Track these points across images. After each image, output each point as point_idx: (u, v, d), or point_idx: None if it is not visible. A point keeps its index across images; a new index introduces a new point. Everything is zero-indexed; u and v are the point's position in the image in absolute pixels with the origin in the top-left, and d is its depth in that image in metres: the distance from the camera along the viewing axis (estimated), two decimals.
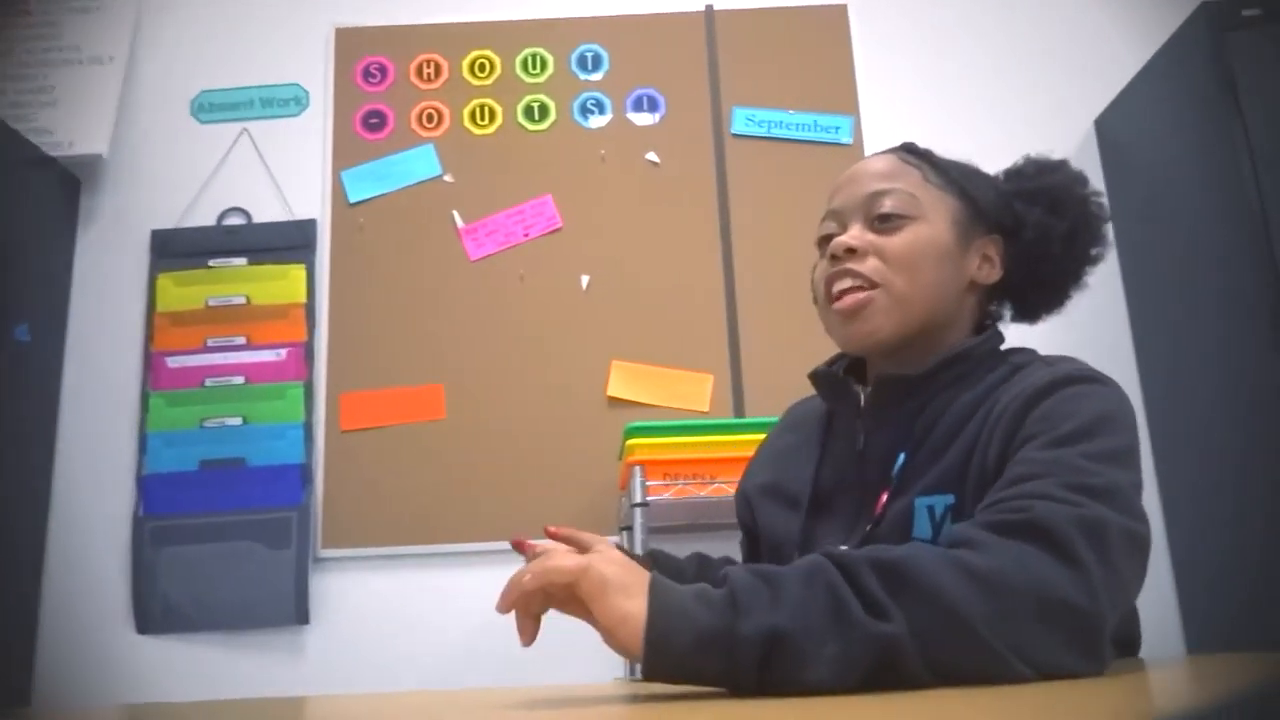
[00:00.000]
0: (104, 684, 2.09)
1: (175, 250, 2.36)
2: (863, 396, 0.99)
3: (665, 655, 0.65)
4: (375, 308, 2.33)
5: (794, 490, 1.03)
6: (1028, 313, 1.06)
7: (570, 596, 0.70)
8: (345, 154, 2.44)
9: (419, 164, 2.42)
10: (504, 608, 0.72)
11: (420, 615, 2.15)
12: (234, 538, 2.15)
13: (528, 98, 2.47)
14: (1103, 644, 0.69)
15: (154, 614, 2.13)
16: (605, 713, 0.66)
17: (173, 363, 2.28)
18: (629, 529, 1.85)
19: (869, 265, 0.96)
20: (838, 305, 0.98)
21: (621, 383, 2.26)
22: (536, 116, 2.45)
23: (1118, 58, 2.39)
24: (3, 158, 2.19)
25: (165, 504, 2.18)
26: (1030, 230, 0.98)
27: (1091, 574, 0.68)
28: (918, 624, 0.65)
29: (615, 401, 2.25)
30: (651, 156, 2.42)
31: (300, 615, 2.13)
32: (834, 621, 0.65)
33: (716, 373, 2.27)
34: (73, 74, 2.45)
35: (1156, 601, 2.10)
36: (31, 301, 2.22)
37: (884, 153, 1.04)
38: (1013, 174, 1.04)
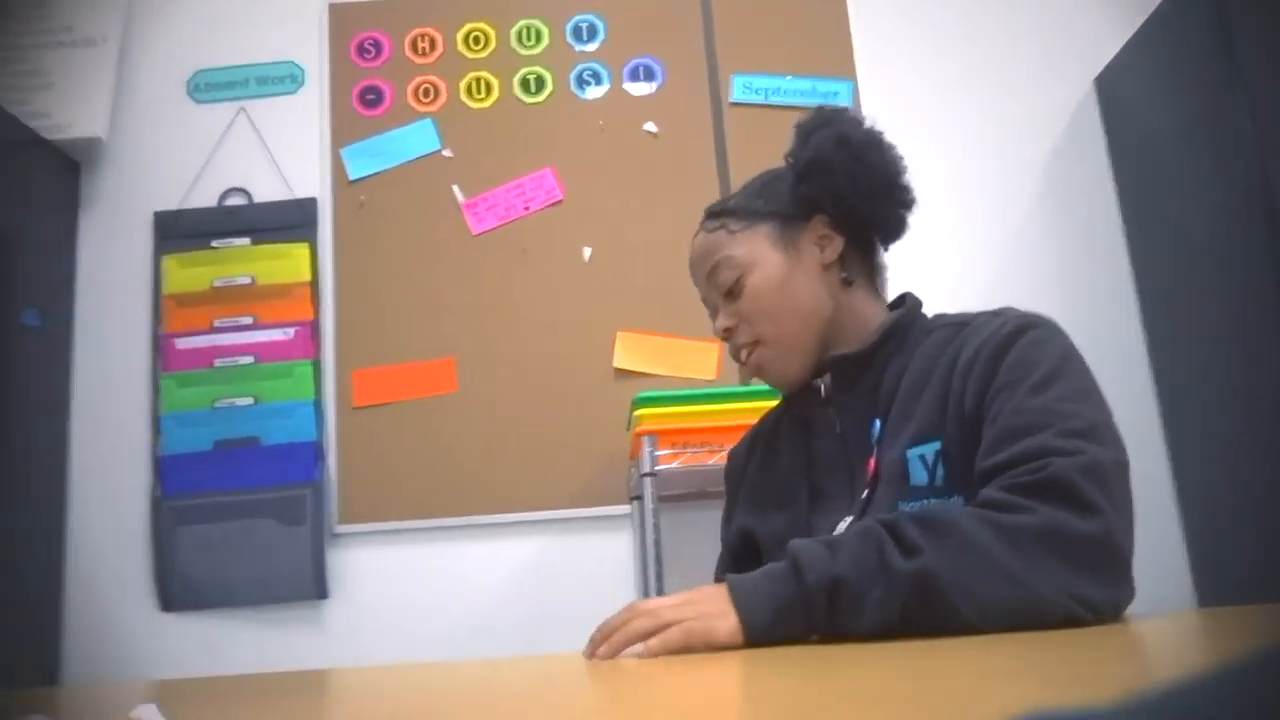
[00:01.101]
0: (131, 661, 2.14)
1: (179, 231, 2.37)
2: (823, 387, 1.10)
3: (763, 638, 0.82)
4: (381, 284, 2.34)
5: (785, 493, 1.13)
6: (887, 240, 1.17)
7: None
8: (344, 131, 2.44)
9: (418, 139, 2.43)
10: (609, 654, 0.85)
11: (437, 587, 2.19)
12: (251, 515, 2.19)
13: (524, 70, 2.46)
14: (1126, 571, 0.82)
15: (176, 592, 2.17)
16: (615, 679, 0.68)
17: (182, 344, 2.30)
18: (639, 498, 1.88)
19: (744, 333, 1.11)
20: (745, 372, 1.14)
21: (627, 353, 2.28)
22: (534, 89, 2.45)
23: (1117, 16, 2.38)
24: (2, 142, 2.19)
25: (182, 484, 2.21)
26: (824, 198, 1.09)
27: (1105, 513, 0.80)
28: (949, 563, 0.79)
29: (622, 372, 2.27)
30: (650, 126, 2.42)
31: (319, 590, 2.17)
32: (879, 567, 0.80)
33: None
34: (66, 56, 2.44)
35: (1167, 556, 2.13)
36: (38, 286, 2.24)
37: (697, 232, 1.17)
38: (789, 164, 1.14)
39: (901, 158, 1.10)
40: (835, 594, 0.80)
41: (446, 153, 2.42)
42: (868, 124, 1.10)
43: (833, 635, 0.81)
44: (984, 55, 2.48)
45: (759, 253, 1.10)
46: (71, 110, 2.40)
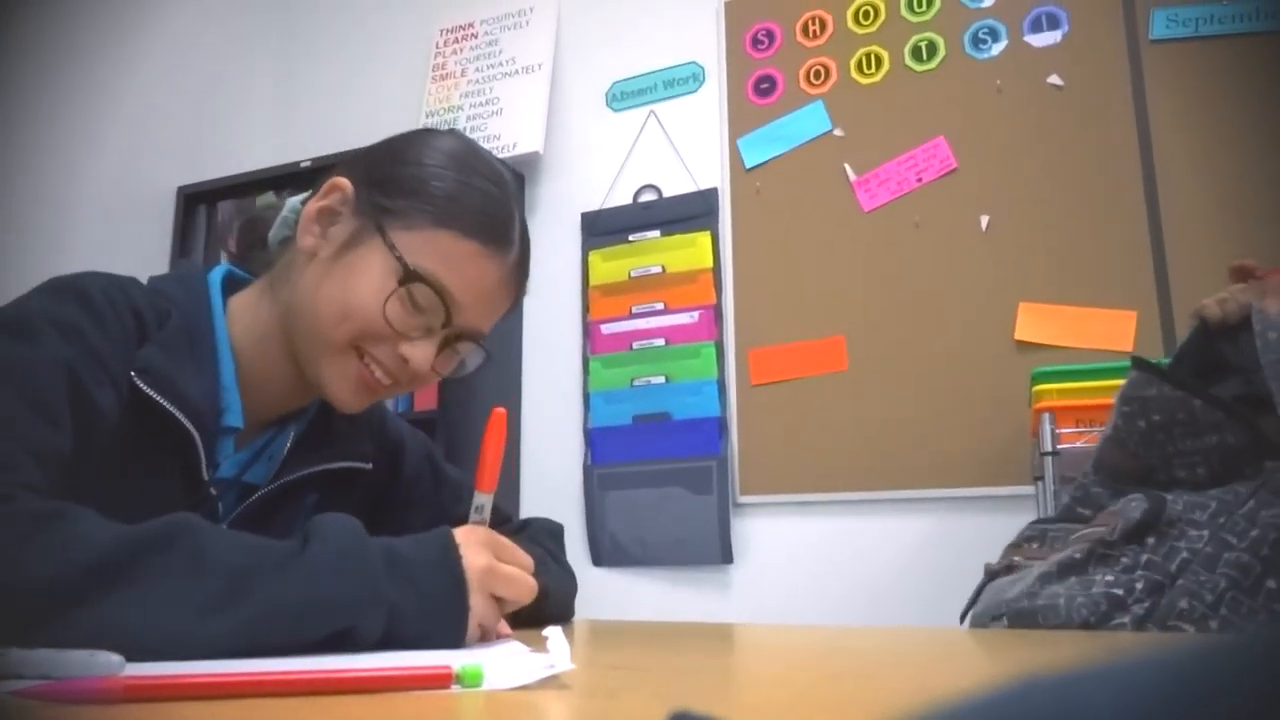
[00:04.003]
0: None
1: (601, 229, 2.66)
2: None
3: None
4: (775, 267, 2.44)
5: None
6: None
7: None
8: (740, 122, 2.57)
9: (809, 122, 2.48)
10: None
11: (834, 559, 2.25)
12: (665, 484, 2.42)
13: (915, 38, 2.41)
14: None
15: (605, 549, 2.47)
16: (991, 648, 0.69)
17: (606, 330, 2.58)
18: (1041, 479, 1.79)
19: None
20: None
21: (1031, 325, 2.16)
22: (925, 56, 2.39)
23: None
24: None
25: (608, 454, 2.50)
26: None
27: None
28: None
29: (1024, 345, 2.16)
30: (1054, 80, 2.25)
31: (725, 555, 2.33)
32: None
33: (1141, 309, 2.08)
34: (510, 84, 2.85)
35: None
36: None
37: None
38: None
39: None
40: None
41: (837, 132, 2.45)
42: None
43: None
44: None
45: None
46: (516, 131, 2.79)
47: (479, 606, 0.68)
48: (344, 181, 0.87)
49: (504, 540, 0.75)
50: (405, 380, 0.87)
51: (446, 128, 1.12)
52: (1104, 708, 0.14)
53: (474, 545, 0.70)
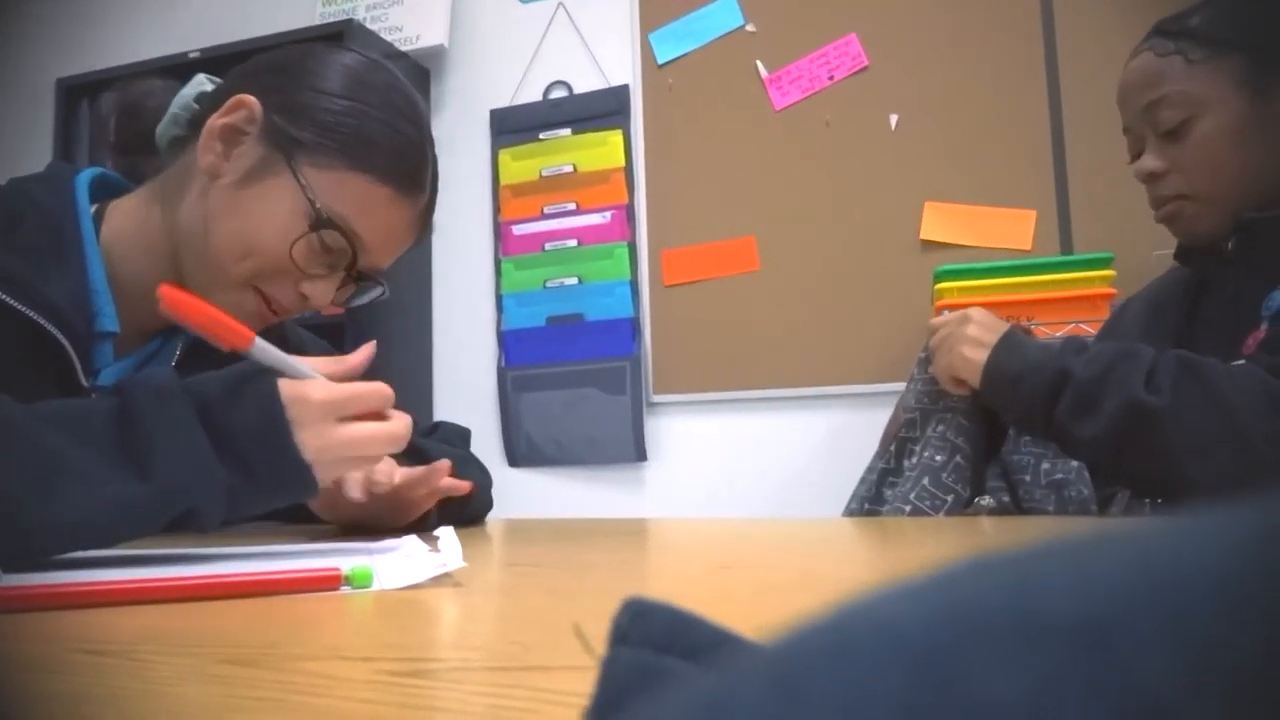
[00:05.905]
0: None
1: (510, 127, 2.59)
2: (1229, 244, 0.98)
3: (995, 389, 0.95)
4: (688, 166, 2.42)
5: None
6: None
7: None
8: (652, 16, 2.50)
9: (721, 16, 2.43)
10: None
11: (743, 455, 2.31)
12: (578, 385, 2.43)
13: None
14: None
15: (520, 450, 2.48)
16: (908, 535, 0.72)
17: (518, 230, 2.54)
18: None
19: (1172, 184, 0.99)
20: (1156, 217, 1.04)
21: (935, 224, 2.20)
22: None
23: None
24: None
25: (521, 356, 2.49)
26: None
27: None
28: (1185, 410, 0.77)
29: (930, 244, 2.20)
30: None
31: (639, 453, 2.37)
32: (1115, 384, 0.82)
33: (1040, 208, 2.13)
34: None
35: None
36: None
37: (1140, 50, 1.00)
38: None
39: None
40: (1064, 387, 0.85)
41: (749, 27, 2.41)
42: None
43: (1055, 434, 0.86)
44: None
45: (1219, 93, 0.93)
46: (419, 23, 2.67)
47: (331, 467, 0.63)
48: (252, 100, 0.82)
49: (349, 392, 0.64)
50: (298, 311, 0.87)
51: (344, 42, 1.06)
52: (1066, 592, 0.11)
53: (310, 417, 0.61)
